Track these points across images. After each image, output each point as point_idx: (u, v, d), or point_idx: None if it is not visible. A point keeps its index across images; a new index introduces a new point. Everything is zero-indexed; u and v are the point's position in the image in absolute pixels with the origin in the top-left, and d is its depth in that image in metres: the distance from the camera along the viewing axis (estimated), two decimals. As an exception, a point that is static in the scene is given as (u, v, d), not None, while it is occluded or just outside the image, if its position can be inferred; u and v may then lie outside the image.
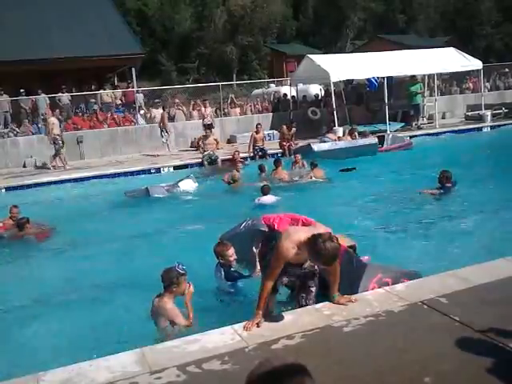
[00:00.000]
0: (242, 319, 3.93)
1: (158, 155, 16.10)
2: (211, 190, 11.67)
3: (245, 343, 3.54)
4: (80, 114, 18.92)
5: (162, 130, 16.53)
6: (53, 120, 15.20)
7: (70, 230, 8.74)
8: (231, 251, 5.18)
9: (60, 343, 4.68)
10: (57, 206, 11.24)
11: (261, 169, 11.92)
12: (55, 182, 13.27)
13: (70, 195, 12.24)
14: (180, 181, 11.46)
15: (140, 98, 19.78)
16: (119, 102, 19.97)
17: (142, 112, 19.12)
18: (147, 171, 14.14)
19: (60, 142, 14.88)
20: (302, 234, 3.81)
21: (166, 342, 3.77)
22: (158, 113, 18.42)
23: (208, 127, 15.28)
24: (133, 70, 21.40)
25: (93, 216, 9.89)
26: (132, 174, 13.97)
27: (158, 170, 14.24)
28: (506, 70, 25.35)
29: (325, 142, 14.74)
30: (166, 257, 7.03)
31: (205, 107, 17.93)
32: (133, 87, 20.88)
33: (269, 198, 9.62)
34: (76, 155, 16.05)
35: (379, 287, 4.45)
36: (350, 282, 4.47)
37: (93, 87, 20.75)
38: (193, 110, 19.62)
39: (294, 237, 3.78)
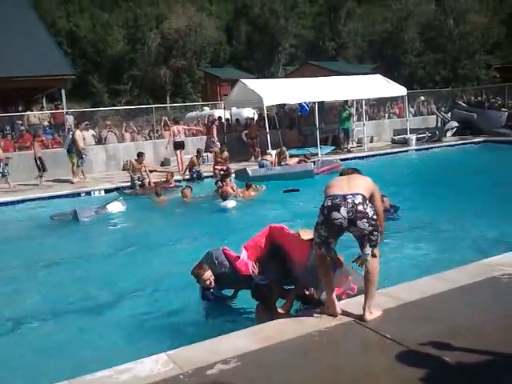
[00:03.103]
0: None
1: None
2: (140, 211, 11.68)
3: (179, 370, 3.45)
4: (5, 136, 18.07)
5: None
6: (79, 133, 15.04)
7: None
8: (207, 275, 5.05)
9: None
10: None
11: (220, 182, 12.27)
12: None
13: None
14: (108, 203, 11.25)
15: (70, 119, 19.20)
16: (46, 123, 19.28)
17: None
18: (76, 195, 13.72)
19: (84, 155, 15.17)
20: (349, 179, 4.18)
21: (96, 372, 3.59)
22: (88, 135, 17.97)
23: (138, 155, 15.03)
24: (62, 91, 20.83)
25: (14, 241, 9.41)
26: (60, 197, 13.46)
27: (88, 194, 13.84)
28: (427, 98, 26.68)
29: (263, 165, 14.96)
30: (93, 280, 6.85)
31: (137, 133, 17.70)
32: (62, 109, 20.28)
33: (229, 203, 10.54)
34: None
35: (344, 290, 4.53)
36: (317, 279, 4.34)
37: (20, 108, 20.00)
38: (125, 131, 19.30)
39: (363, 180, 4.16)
